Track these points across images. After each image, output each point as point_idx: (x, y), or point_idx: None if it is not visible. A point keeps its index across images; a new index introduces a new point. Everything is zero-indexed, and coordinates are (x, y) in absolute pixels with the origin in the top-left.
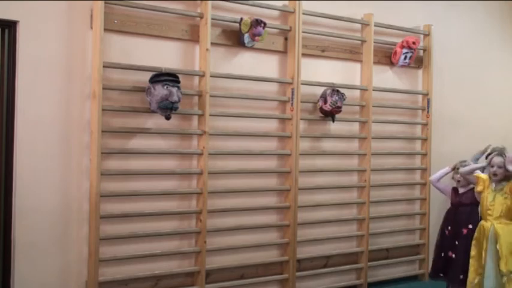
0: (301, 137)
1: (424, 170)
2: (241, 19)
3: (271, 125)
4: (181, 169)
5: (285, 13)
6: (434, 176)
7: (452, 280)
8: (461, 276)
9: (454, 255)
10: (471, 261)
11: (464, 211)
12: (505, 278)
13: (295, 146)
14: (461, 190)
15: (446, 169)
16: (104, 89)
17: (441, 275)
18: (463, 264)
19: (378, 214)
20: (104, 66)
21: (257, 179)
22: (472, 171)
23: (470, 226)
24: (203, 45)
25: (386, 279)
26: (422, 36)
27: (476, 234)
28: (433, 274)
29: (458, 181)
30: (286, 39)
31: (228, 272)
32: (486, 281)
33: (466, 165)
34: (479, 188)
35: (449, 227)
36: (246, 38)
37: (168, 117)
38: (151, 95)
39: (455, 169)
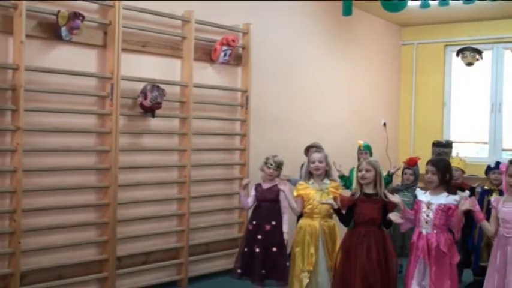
0: (120, 133)
1: (243, 165)
2: (58, 11)
3: (90, 121)
4: None
5: (105, 7)
6: (245, 206)
7: (253, 274)
8: (262, 271)
9: (257, 250)
10: (297, 260)
11: (267, 207)
12: (331, 273)
13: (115, 142)
14: (265, 186)
15: (242, 193)
16: None
17: (239, 271)
18: (264, 259)
19: (198, 209)
20: None
21: (75, 176)
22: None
23: (274, 223)
24: (17, 38)
25: (207, 273)
26: (241, 34)
27: (301, 233)
28: (233, 271)
29: (269, 175)
30: (105, 33)
31: (45, 272)
32: (320, 277)
33: (276, 161)
34: (295, 194)
35: (253, 222)
36: (64, 31)
37: None
38: None
39: (266, 162)
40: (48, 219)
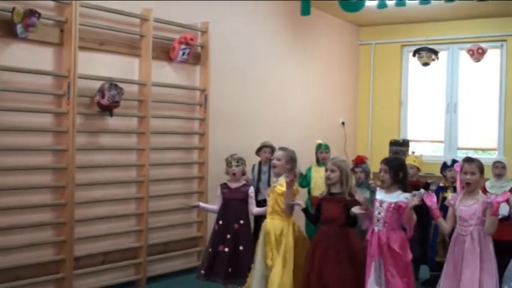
0: (77, 132)
1: (202, 164)
2: (14, 8)
3: (46, 120)
4: None
5: (61, 4)
6: (214, 210)
7: (220, 273)
8: (229, 270)
9: (226, 249)
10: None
11: (235, 205)
12: (269, 271)
13: (72, 141)
14: (232, 185)
15: (201, 206)
16: None
17: (202, 272)
18: (232, 257)
19: (157, 208)
20: None
21: (31, 176)
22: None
23: (242, 221)
24: None
25: (165, 272)
26: (200, 33)
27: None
28: (198, 271)
29: (234, 174)
30: (62, 31)
31: (2, 273)
32: (255, 273)
33: (237, 158)
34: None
35: (220, 222)
36: (19, 28)
37: None
38: None
39: (227, 163)
40: (4, 219)
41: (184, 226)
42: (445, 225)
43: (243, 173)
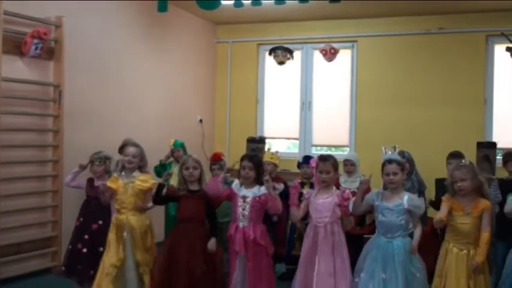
0: None
1: (56, 162)
2: None
3: None
4: None
5: None
6: (67, 179)
7: (82, 275)
8: (91, 272)
9: (84, 250)
10: (107, 257)
11: (95, 205)
12: (141, 269)
13: None
14: (97, 183)
15: (76, 170)
16: None
17: (63, 268)
18: (91, 259)
19: (9, 208)
20: None
21: None
22: None
23: (101, 222)
24: None
25: (19, 274)
26: (53, 27)
27: (113, 230)
28: (58, 267)
29: (95, 173)
30: None
31: None
32: (127, 273)
33: (101, 157)
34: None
35: (80, 219)
36: None
37: None
38: None
39: (91, 162)
40: None
41: (39, 226)
42: (296, 212)
43: (106, 171)
